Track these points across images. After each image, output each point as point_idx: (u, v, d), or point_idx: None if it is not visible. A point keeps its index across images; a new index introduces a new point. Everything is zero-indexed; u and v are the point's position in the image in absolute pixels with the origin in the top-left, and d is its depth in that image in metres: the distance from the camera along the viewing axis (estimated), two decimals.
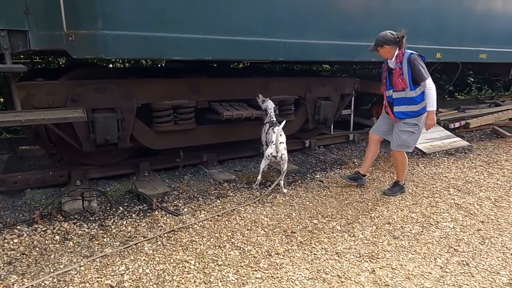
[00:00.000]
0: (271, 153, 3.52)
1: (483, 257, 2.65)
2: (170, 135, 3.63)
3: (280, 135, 3.57)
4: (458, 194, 3.78)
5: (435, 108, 3.30)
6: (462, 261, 2.59)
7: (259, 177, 3.65)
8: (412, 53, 3.25)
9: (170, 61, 4.24)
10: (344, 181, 3.87)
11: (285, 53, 3.48)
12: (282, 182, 3.63)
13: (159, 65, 5.92)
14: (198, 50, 3.01)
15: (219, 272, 2.38)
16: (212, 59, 3.10)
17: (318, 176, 4.15)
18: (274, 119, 3.79)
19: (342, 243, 2.77)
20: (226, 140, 4.07)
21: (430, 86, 3.24)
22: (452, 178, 4.21)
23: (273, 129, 3.61)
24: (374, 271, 2.45)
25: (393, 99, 3.44)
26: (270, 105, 3.85)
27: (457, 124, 6.53)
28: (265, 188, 3.65)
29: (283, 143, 3.55)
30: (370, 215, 3.26)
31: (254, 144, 4.49)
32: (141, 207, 3.24)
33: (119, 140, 3.30)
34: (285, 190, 3.65)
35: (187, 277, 2.32)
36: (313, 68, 6.64)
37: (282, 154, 3.50)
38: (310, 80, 4.40)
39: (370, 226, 3.06)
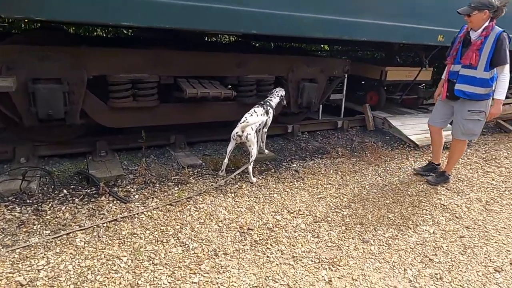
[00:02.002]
0: (236, 132, 3.21)
1: (460, 271, 2.31)
2: (128, 113, 3.27)
3: (251, 115, 3.32)
4: (446, 193, 3.42)
5: (504, 98, 3.05)
6: (436, 274, 2.26)
7: (225, 160, 3.31)
8: (504, 31, 2.94)
9: (142, 30, 3.84)
10: (420, 175, 3.65)
11: (260, 26, 3.05)
12: (250, 169, 3.28)
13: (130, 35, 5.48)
14: (152, 16, 2.60)
15: (152, 273, 2.08)
16: (169, 27, 2.70)
17: (295, 165, 3.80)
18: (267, 102, 3.57)
19: (302, 245, 2.45)
20: (196, 121, 3.70)
21: (507, 72, 2.98)
22: None
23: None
24: (331, 281, 2.13)
25: (459, 75, 3.13)
26: (279, 90, 3.72)
27: None
28: (233, 176, 3.32)
29: (250, 122, 3.24)
30: (342, 212, 2.92)
31: (230, 127, 4.12)
32: (88, 191, 2.93)
33: (67, 116, 2.95)
34: (253, 179, 3.30)
35: (112, 278, 2.02)
36: (300, 46, 6.14)
37: (248, 134, 3.18)
38: (293, 59, 3.97)
39: (340, 226, 2.73)
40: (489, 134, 5.61)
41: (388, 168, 3.92)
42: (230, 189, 3.15)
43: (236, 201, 2.96)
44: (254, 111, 3.41)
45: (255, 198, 3.03)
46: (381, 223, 2.80)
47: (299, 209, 2.91)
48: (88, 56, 2.95)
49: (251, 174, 3.30)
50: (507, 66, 2.99)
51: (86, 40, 3.56)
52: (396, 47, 5.56)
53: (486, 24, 2.98)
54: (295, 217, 2.79)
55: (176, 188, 3.08)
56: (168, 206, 2.78)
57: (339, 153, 4.22)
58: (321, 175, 3.61)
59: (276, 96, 3.75)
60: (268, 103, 3.65)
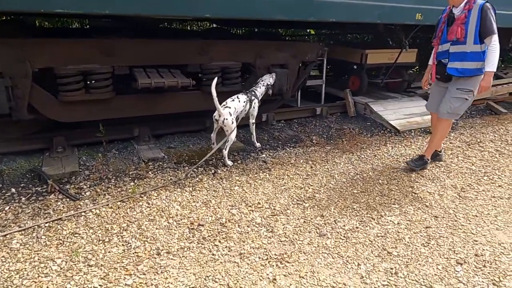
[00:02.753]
0: (214, 116, 3.31)
1: (419, 264, 2.16)
2: (81, 106, 3.12)
3: (232, 100, 3.40)
4: (420, 180, 3.25)
5: (495, 70, 2.96)
6: (391, 269, 2.11)
7: (212, 134, 3.47)
8: (486, 2, 2.92)
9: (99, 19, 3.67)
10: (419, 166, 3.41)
11: (215, 9, 2.87)
12: (225, 153, 3.32)
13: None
14: (93, 2, 2.43)
15: (84, 276, 1.96)
16: (114, 13, 2.52)
17: (264, 155, 3.64)
18: (252, 91, 3.64)
19: (253, 241, 2.31)
20: (158, 112, 3.55)
21: (495, 43, 2.90)
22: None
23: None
24: (275, 279, 1.99)
25: (450, 53, 3.08)
26: (266, 79, 3.75)
27: None
28: (195, 169, 3.18)
29: (229, 107, 3.31)
30: (304, 204, 2.78)
31: (201, 117, 3.98)
32: (39, 189, 2.81)
33: (13, 111, 2.82)
34: (229, 162, 3.35)
35: (41, 282, 1.91)
36: (271, 31, 5.88)
37: (224, 118, 3.24)
38: (261, 44, 3.77)
39: (298, 218, 2.58)
40: (478, 117, 5.39)
41: (362, 156, 3.75)
42: (189, 182, 3.01)
43: (193, 196, 2.83)
44: (237, 97, 3.46)
45: (214, 192, 2.90)
46: (344, 215, 2.65)
47: (259, 202, 2.77)
48: (32, 48, 2.79)
49: (226, 157, 3.34)
50: (496, 37, 2.92)
51: (43, 33, 3.39)
52: (381, 28, 5.32)
53: None
54: (252, 211, 2.65)
55: (132, 184, 2.95)
56: (119, 203, 2.66)
57: (314, 141, 4.05)
58: (290, 165, 3.46)
59: (262, 85, 3.74)
60: (253, 92, 3.64)
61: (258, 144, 3.78)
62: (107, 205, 2.62)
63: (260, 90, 3.70)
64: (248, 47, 3.70)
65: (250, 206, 2.72)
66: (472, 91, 3.08)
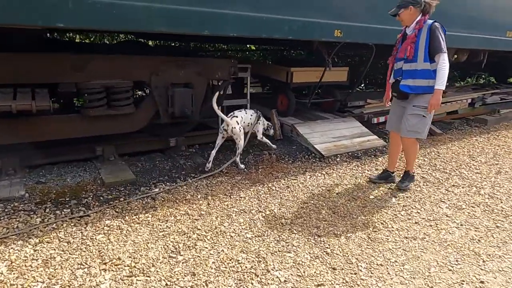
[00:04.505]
0: (222, 126, 3.59)
1: None
2: None
3: (240, 111, 3.70)
4: (329, 218, 2.82)
5: (443, 87, 3.00)
6: None
7: (213, 152, 3.58)
8: (435, 21, 3.04)
9: None
10: (375, 183, 3.50)
11: (72, 19, 2.34)
12: (238, 160, 3.62)
13: None
14: None
15: None
16: None
17: (157, 189, 3.10)
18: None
19: None
20: (23, 140, 2.93)
21: (445, 61, 2.97)
22: (322, 195, 3.27)
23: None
24: None
25: (403, 71, 3.17)
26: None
27: (382, 119, 5.63)
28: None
29: (236, 117, 3.60)
30: (177, 258, 2.24)
31: (91, 143, 3.39)
32: None
33: None
34: (242, 166, 3.62)
35: None
36: (177, 46, 5.45)
37: (233, 127, 3.53)
38: (156, 60, 3.27)
39: (161, 279, 2.04)
40: None
41: (274, 188, 3.30)
42: (39, 232, 2.40)
43: (36, 250, 2.22)
44: (245, 110, 3.82)
45: (66, 244, 2.30)
46: (221, 272, 2.13)
47: (119, 257, 2.21)
48: None
49: (239, 163, 3.62)
50: (445, 55, 2.99)
51: None
52: (315, 45, 5.02)
53: (418, 18, 3.06)
54: (104, 271, 2.09)
55: None
56: None
57: (224, 170, 3.57)
58: (184, 202, 2.94)
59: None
60: (261, 112, 4.03)
61: (242, 166, 3.67)
62: None
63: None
64: (140, 63, 3.19)
65: (105, 263, 2.15)
66: (427, 107, 3.10)
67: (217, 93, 3.39)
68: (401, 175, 3.50)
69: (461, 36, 5.30)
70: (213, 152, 3.56)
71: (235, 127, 3.51)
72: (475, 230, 2.78)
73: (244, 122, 3.67)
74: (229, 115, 3.58)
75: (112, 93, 3.12)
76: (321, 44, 4.18)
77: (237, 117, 3.60)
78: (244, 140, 3.68)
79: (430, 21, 3.04)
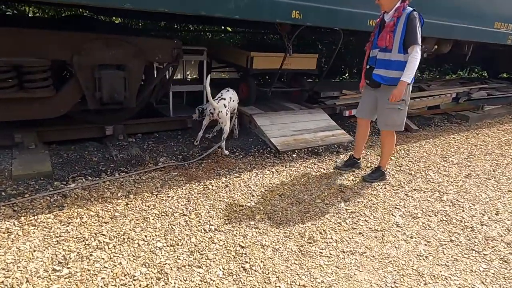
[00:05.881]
0: (209, 109, 3.43)
1: None
2: None
3: (227, 91, 3.59)
4: (262, 225, 2.48)
5: (409, 80, 2.90)
6: None
7: (200, 133, 3.64)
8: (414, 10, 2.89)
9: None
10: (341, 171, 3.44)
11: None
12: (223, 145, 3.48)
13: None
14: None
15: None
16: None
17: (74, 185, 2.74)
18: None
19: None
20: None
21: (417, 54, 2.86)
22: (262, 197, 2.92)
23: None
24: None
25: (376, 60, 3.06)
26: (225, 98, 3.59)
27: (354, 112, 5.25)
28: None
29: (224, 99, 3.46)
30: (56, 274, 1.90)
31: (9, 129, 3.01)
32: None
33: None
34: (226, 152, 3.51)
35: None
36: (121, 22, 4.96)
37: (219, 111, 3.39)
38: (79, 36, 2.84)
39: None
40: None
41: (211, 186, 2.94)
42: None
43: None
44: (230, 89, 3.64)
45: None
46: None
47: None
48: None
49: (223, 148, 3.50)
50: (418, 47, 2.86)
51: None
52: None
53: (398, 5, 2.91)
54: None
55: None
56: None
57: (159, 164, 3.20)
58: (100, 200, 2.57)
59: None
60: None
61: (226, 152, 3.55)
62: None
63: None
64: (56, 39, 2.76)
65: None
66: (403, 100, 3.02)
67: (209, 76, 3.34)
68: (373, 169, 3.45)
69: (444, 25, 4.90)
70: (200, 134, 3.63)
71: (221, 111, 3.39)
72: (425, 244, 2.45)
73: (230, 104, 3.55)
74: (216, 97, 3.44)
75: (25, 74, 2.71)
76: (280, 27, 3.76)
77: (224, 99, 3.47)
78: (230, 122, 3.59)
79: (409, 9, 2.89)
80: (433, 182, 3.44)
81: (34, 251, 2.03)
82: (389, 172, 3.51)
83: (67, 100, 2.98)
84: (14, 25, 2.86)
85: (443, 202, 3.06)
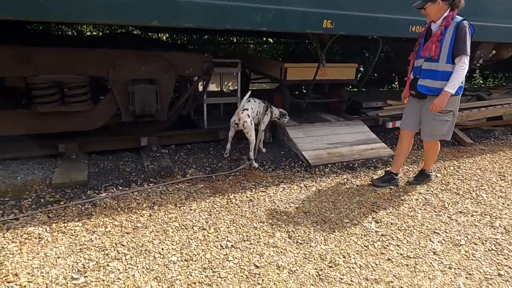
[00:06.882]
0: (233, 120, 3.47)
1: None
2: None
3: (248, 101, 3.50)
4: (281, 244, 2.38)
5: (453, 92, 2.79)
6: None
7: (228, 146, 3.64)
8: (464, 19, 2.79)
9: None
10: (376, 187, 3.24)
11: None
12: (252, 156, 3.48)
13: None
14: None
15: None
16: None
17: (104, 194, 2.86)
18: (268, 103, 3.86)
19: None
20: None
21: (464, 65, 2.77)
22: (286, 214, 2.78)
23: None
24: None
25: (422, 70, 2.96)
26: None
27: (398, 124, 4.89)
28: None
29: (246, 109, 3.45)
30: (74, 281, 1.98)
31: (53, 140, 3.26)
32: None
33: None
34: (255, 164, 3.47)
35: None
36: (141, 37, 5.09)
37: (244, 121, 3.41)
38: (115, 53, 3.01)
39: None
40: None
41: (235, 200, 2.90)
42: None
43: None
44: (254, 99, 3.61)
45: None
46: None
47: (16, 274, 1.98)
48: None
49: (253, 160, 3.48)
50: (466, 58, 2.76)
51: None
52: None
53: (446, 14, 2.82)
54: None
55: None
56: None
57: (186, 176, 3.24)
58: (126, 210, 2.66)
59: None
60: (270, 103, 3.85)
61: (264, 149, 3.79)
62: None
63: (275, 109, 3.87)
64: (95, 57, 2.95)
65: None
66: (451, 111, 2.95)
67: (249, 92, 3.43)
68: (418, 172, 3.42)
69: (505, 28, 4.42)
70: (228, 146, 3.62)
71: (246, 121, 3.40)
72: (466, 277, 2.16)
73: (254, 113, 3.56)
74: (239, 108, 3.45)
75: (66, 89, 2.93)
76: (313, 37, 3.64)
77: (247, 109, 3.45)
78: (256, 134, 3.55)
79: (458, 18, 2.79)
80: (484, 204, 3.05)
81: (58, 257, 2.14)
82: (435, 174, 3.43)
83: (104, 113, 3.17)
84: (56, 44, 3.11)
85: (495, 229, 2.69)
